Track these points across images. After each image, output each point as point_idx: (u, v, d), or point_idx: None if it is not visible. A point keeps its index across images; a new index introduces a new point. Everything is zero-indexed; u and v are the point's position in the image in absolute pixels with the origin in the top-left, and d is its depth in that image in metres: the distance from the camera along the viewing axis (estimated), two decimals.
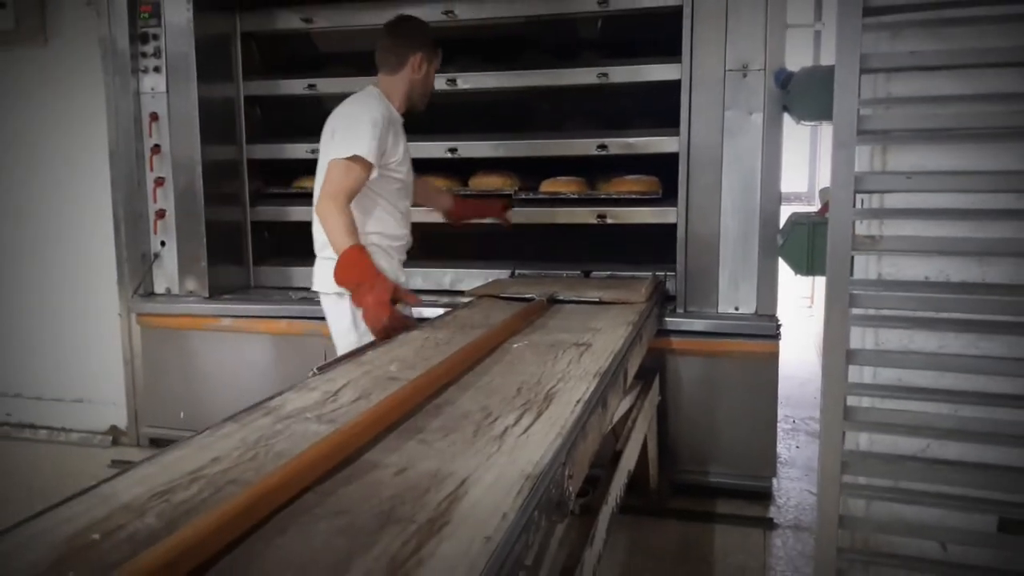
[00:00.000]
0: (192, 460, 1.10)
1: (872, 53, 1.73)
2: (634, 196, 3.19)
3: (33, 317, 3.69)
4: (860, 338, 1.92)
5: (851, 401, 1.86)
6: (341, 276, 2.20)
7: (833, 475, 1.81)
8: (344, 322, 2.41)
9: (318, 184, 2.37)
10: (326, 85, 3.45)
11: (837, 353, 1.79)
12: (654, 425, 2.68)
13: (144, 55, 3.34)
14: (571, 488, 1.11)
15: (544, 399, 1.46)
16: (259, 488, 0.92)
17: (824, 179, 5.91)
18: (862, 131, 1.73)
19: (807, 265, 2.32)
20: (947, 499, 1.74)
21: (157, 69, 3.33)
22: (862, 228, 1.83)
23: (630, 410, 2.27)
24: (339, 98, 3.71)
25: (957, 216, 1.74)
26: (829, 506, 1.81)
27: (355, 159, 2.24)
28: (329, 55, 3.78)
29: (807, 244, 2.30)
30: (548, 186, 3.33)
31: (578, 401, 1.44)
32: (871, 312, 1.83)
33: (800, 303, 6.60)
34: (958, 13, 1.70)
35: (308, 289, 3.51)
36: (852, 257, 1.78)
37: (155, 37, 3.33)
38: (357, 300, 2.18)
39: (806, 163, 6.90)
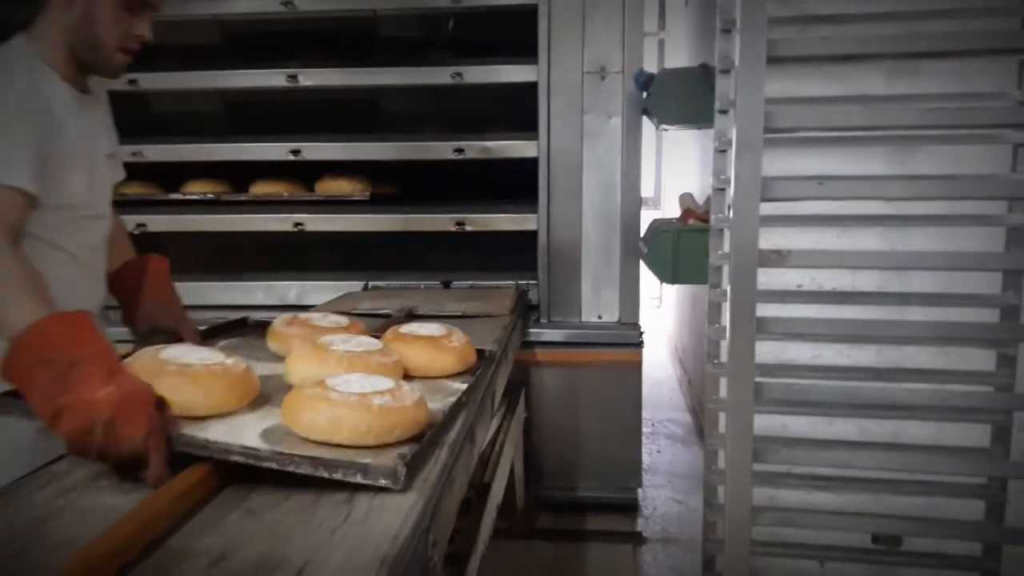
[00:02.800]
0: None
1: (780, 39, 1.59)
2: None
3: None
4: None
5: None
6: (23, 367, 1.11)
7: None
8: None
9: None
10: (150, 81, 3.08)
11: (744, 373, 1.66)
12: (521, 444, 2.55)
13: None
14: (436, 558, 0.94)
15: None
16: None
17: (670, 183, 6.06)
18: (770, 130, 1.59)
19: (672, 273, 2.26)
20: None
21: None
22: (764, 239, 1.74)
23: (497, 432, 2.12)
24: (163, 96, 3.40)
25: (869, 223, 1.67)
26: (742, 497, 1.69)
27: None
28: (160, 48, 3.38)
29: (672, 252, 2.24)
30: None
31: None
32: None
33: (650, 303, 6.76)
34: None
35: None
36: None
37: None
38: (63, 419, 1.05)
39: (652, 168, 7.07)
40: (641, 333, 2.75)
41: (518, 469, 2.54)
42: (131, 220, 2.93)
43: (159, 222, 3.12)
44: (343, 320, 1.66)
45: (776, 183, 1.57)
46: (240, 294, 3.14)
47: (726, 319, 1.82)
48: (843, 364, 1.76)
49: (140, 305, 1.62)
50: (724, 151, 1.80)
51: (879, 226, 1.72)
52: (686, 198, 2.61)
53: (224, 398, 1.17)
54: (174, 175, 3.19)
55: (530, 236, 2.88)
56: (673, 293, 5.38)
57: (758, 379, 1.57)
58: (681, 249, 2.24)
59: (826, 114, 1.66)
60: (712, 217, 1.80)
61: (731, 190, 1.52)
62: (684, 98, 2.36)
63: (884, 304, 1.69)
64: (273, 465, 1.02)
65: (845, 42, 1.60)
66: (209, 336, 1.73)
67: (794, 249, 1.55)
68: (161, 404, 1.08)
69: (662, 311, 6.24)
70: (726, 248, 1.81)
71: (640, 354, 2.73)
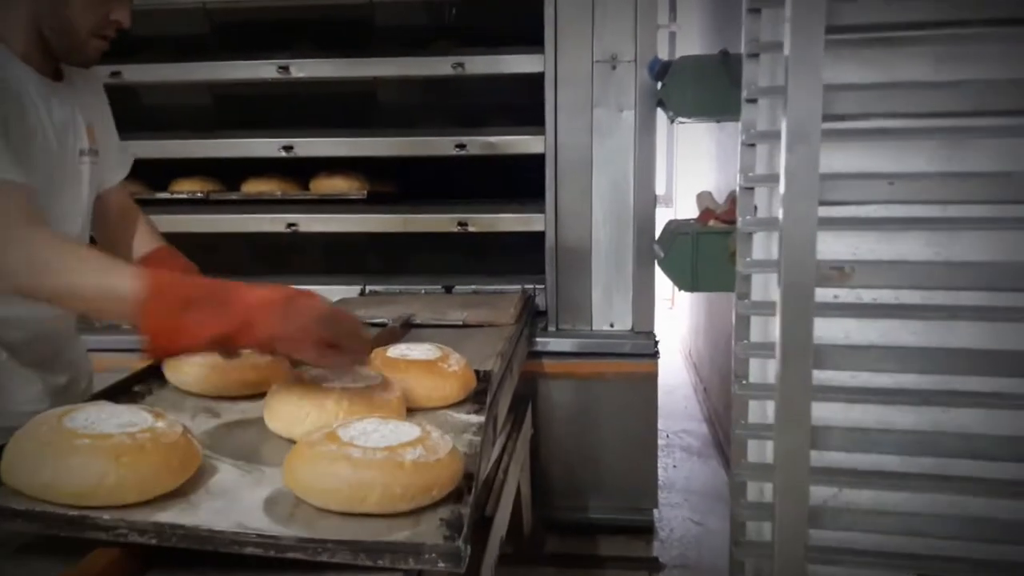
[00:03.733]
0: None
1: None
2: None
3: None
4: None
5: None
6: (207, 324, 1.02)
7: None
8: None
9: None
10: (135, 73, 2.90)
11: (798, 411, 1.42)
12: (527, 464, 2.37)
13: None
14: None
15: None
16: None
17: (683, 181, 5.86)
18: (829, 118, 1.34)
19: (692, 279, 2.07)
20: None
21: None
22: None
23: (501, 455, 1.93)
24: (150, 89, 3.22)
25: (967, 226, 1.42)
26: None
27: None
28: (142, 39, 3.21)
29: (691, 257, 2.04)
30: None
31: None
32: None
33: (662, 304, 6.55)
34: None
35: None
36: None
37: None
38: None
39: (663, 164, 6.86)
40: (656, 343, 2.55)
41: (525, 490, 2.36)
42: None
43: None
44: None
45: (836, 183, 1.36)
46: None
47: (754, 334, 1.64)
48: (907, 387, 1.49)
49: None
50: (752, 145, 1.60)
51: (981, 228, 1.45)
52: (704, 197, 2.42)
53: (158, 479, 0.90)
54: (161, 172, 3.02)
55: (537, 237, 2.70)
56: (687, 294, 5.18)
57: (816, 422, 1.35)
58: (701, 253, 2.05)
59: (902, 98, 1.41)
60: (739, 219, 1.60)
61: (780, 187, 1.31)
62: (703, 88, 2.16)
63: (956, 319, 1.45)
64: (300, 555, 0.81)
65: (921, 5, 1.35)
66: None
67: (860, 260, 1.34)
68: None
69: (675, 313, 6.04)
70: (755, 254, 1.62)
71: (655, 365, 2.54)
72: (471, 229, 2.81)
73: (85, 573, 0.78)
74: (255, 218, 2.93)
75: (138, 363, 1.38)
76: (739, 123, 1.64)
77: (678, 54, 6.59)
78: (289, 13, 2.95)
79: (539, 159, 2.64)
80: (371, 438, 0.94)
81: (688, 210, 4.69)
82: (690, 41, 5.13)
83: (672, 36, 6.61)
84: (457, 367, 1.40)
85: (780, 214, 1.35)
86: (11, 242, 1.08)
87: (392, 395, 1.19)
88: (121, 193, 1.59)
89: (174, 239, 3.06)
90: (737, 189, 1.64)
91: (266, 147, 2.87)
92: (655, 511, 2.72)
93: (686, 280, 2.09)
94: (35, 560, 0.85)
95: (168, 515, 0.87)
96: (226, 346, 1.05)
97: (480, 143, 2.77)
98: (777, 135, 1.45)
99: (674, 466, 3.33)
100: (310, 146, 2.88)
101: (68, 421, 0.91)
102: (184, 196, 2.97)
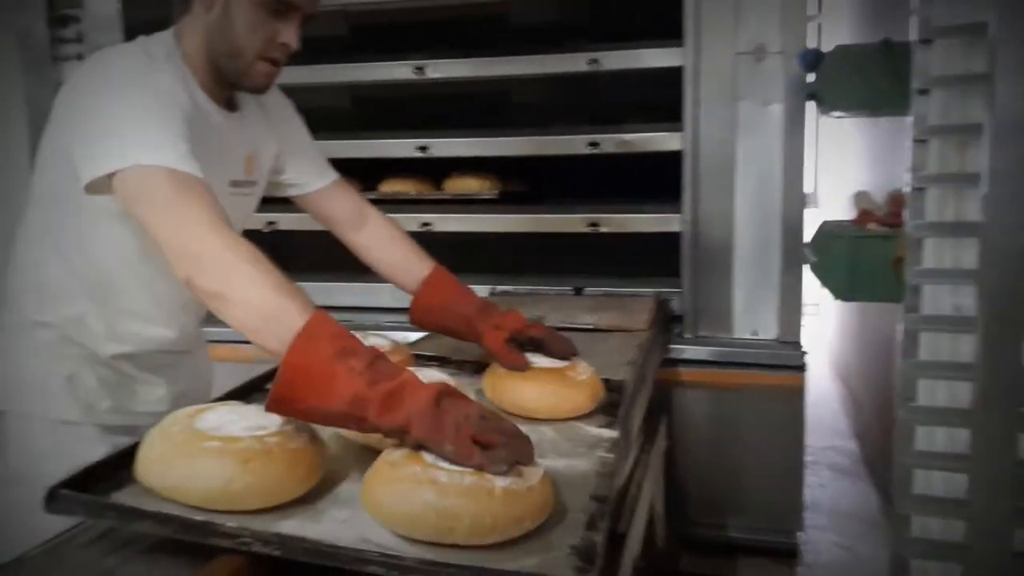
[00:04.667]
0: None
1: None
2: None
3: None
4: None
5: None
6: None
7: None
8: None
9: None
10: (280, 76, 3.01)
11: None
12: (661, 478, 2.25)
13: (63, 40, 2.90)
14: None
15: None
16: None
17: (827, 179, 5.50)
18: None
19: (848, 287, 1.89)
20: None
21: (80, 56, 2.89)
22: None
23: (633, 469, 1.83)
24: (292, 92, 3.33)
25: None
26: None
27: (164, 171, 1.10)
28: None
29: (848, 263, 1.87)
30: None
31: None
32: None
33: (807, 310, 6.19)
34: None
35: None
36: None
37: (75, 20, 2.88)
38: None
39: (807, 161, 6.47)
40: (804, 354, 2.37)
41: (658, 506, 2.24)
42: (261, 217, 2.88)
43: (289, 220, 3.04)
44: (383, 343, 1.39)
45: None
46: (367, 296, 3.00)
47: (923, 351, 1.46)
48: None
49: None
50: (924, 141, 1.43)
51: None
52: (862, 197, 2.22)
53: (284, 486, 0.88)
54: None
55: (672, 239, 2.57)
56: (834, 300, 4.85)
57: None
58: (859, 259, 1.87)
59: None
60: (908, 223, 1.43)
61: (982, 187, 1.14)
62: (862, 79, 1.99)
63: None
64: None
65: None
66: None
67: None
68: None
69: (820, 319, 5.68)
70: (926, 262, 1.44)
71: (802, 378, 2.35)
72: (603, 229, 2.72)
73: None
74: (391, 217, 2.96)
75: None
76: (900, 118, 1.47)
77: (825, 46, 6.21)
78: (425, 14, 2.96)
79: (675, 157, 2.51)
80: None
81: (836, 211, 4.39)
82: (838, 32, 4.80)
83: (819, 27, 6.24)
84: (586, 376, 1.33)
85: (980, 218, 1.18)
86: (203, 233, 1.03)
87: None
88: (335, 203, 1.63)
89: (315, 236, 3.18)
90: (906, 189, 1.47)
91: (402, 147, 2.90)
92: (800, 534, 2.53)
93: (841, 288, 1.91)
94: (165, 560, 0.86)
95: (292, 524, 0.85)
96: (358, 422, 0.92)
97: (614, 141, 2.68)
98: (954, 130, 1.28)
99: (821, 485, 3.11)
100: (444, 146, 2.88)
101: (199, 422, 0.91)
102: None
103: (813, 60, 2.15)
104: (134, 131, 1.10)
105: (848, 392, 4.03)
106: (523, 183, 3.15)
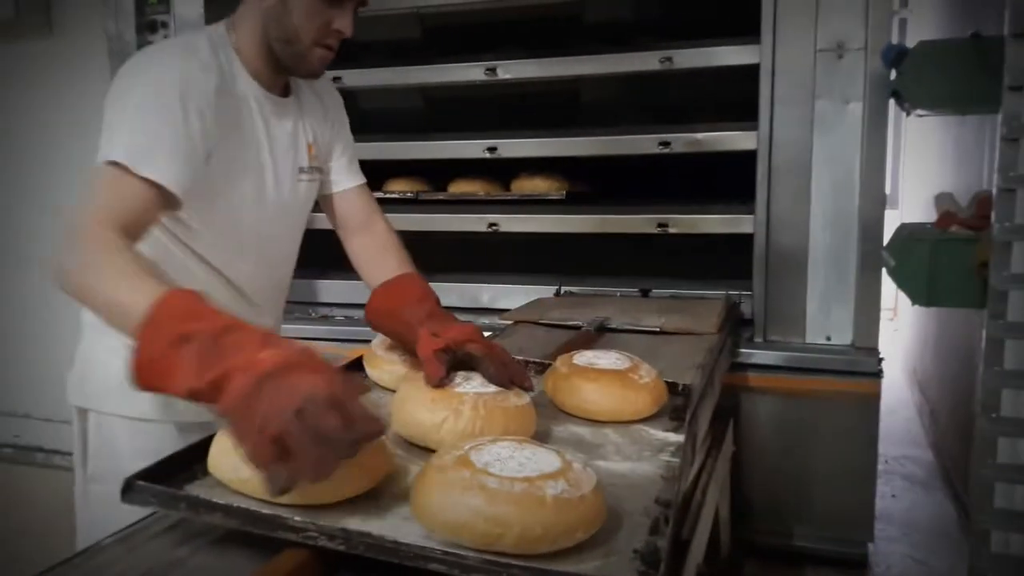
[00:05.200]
0: None
1: None
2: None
3: (43, 329, 3.42)
4: None
5: None
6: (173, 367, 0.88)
7: None
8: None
9: None
10: (353, 78, 3.08)
11: None
12: (727, 484, 2.21)
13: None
14: None
15: None
16: None
17: (909, 181, 5.30)
18: None
19: (928, 292, 1.82)
20: None
21: None
22: None
23: (698, 475, 1.81)
24: (367, 93, 3.41)
25: None
26: None
27: (119, 171, 1.14)
28: (361, 44, 3.41)
29: (929, 267, 1.80)
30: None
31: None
32: None
33: (883, 315, 5.99)
34: None
35: (332, 304, 3.20)
36: None
37: (164, 25, 3.00)
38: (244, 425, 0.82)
39: (888, 161, 6.25)
40: (880, 360, 2.29)
41: (723, 512, 2.21)
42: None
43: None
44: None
45: None
46: None
47: (1009, 360, 1.40)
48: None
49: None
50: (1016, 140, 1.37)
51: None
52: (944, 199, 2.13)
53: (352, 482, 0.88)
54: (377, 173, 3.18)
55: (743, 241, 2.52)
56: (911, 305, 4.69)
57: None
58: (940, 263, 1.80)
59: None
60: (995, 226, 1.37)
61: None
62: (949, 75, 1.91)
63: None
64: None
65: None
66: None
67: None
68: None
69: (896, 324, 5.49)
70: (1014, 267, 1.38)
71: (878, 385, 2.28)
72: (671, 230, 2.68)
73: (275, 571, 0.80)
74: (460, 218, 3.00)
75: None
76: (991, 116, 1.41)
77: (908, 43, 5.99)
78: (498, 15, 2.98)
79: (747, 157, 2.46)
80: (507, 465, 0.84)
81: (916, 213, 4.23)
82: (923, 27, 4.63)
83: (903, 23, 6.01)
84: (649, 379, 1.31)
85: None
86: (82, 237, 1.06)
87: (523, 400, 1.12)
88: (352, 204, 1.60)
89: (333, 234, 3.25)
90: (993, 190, 1.41)
91: (471, 148, 2.92)
92: (870, 544, 2.46)
93: (921, 293, 1.85)
94: (233, 551, 0.88)
95: (356, 520, 0.87)
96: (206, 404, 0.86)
97: (685, 140, 2.64)
98: None
99: (893, 495, 3.00)
100: (513, 147, 2.89)
101: None
102: (396, 196, 3.10)
103: (896, 56, 2.08)
104: (127, 132, 1.16)
105: (924, 400, 3.89)
106: (592, 184, 3.14)
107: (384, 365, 1.32)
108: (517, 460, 0.86)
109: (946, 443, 3.24)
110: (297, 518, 0.84)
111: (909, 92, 1.98)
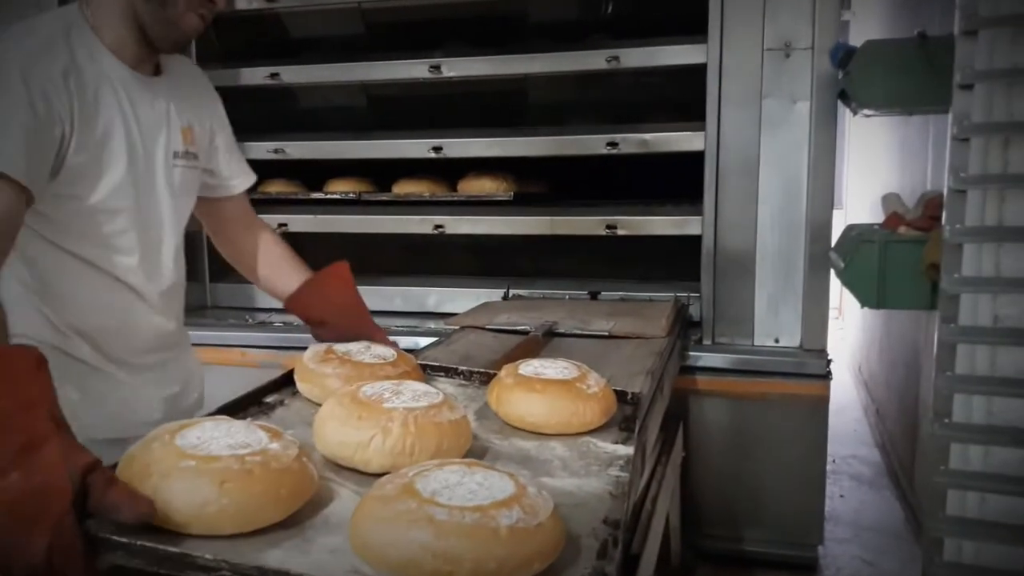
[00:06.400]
0: None
1: None
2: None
3: None
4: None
5: None
6: None
7: None
8: None
9: None
10: (292, 74, 2.96)
11: None
12: (677, 490, 2.17)
13: None
14: None
15: None
16: None
17: (853, 181, 5.38)
18: None
19: (878, 294, 1.80)
20: None
21: None
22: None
23: (648, 484, 1.76)
24: (308, 91, 3.29)
25: None
26: None
27: None
28: (300, 40, 3.29)
29: (878, 269, 1.78)
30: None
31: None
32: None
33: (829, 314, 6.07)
34: None
35: (270, 310, 3.07)
36: None
37: None
38: None
39: None
40: (829, 362, 2.28)
41: (674, 519, 2.17)
42: (273, 219, 2.84)
43: (300, 222, 3.00)
44: (389, 353, 1.31)
45: None
46: (378, 300, 2.95)
47: (960, 364, 1.37)
48: None
49: (329, 327, 1.44)
50: (966, 139, 1.34)
51: None
52: (891, 200, 2.13)
53: (264, 509, 0.80)
54: (317, 173, 3.08)
55: (692, 242, 2.49)
56: (856, 304, 4.75)
57: None
58: (890, 265, 1.79)
59: None
60: (946, 228, 1.35)
61: None
62: (895, 75, 1.89)
63: None
64: None
65: None
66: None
67: None
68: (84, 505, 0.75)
69: (842, 323, 5.57)
70: (965, 270, 1.36)
71: (827, 387, 2.27)
72: (620, 232, 2.64)
73: None
74: (404, 219, 2.92)
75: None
76: (935, 116, 1.39)
77: (852, 43, 6.07)
78: (443, 11, 2.90)
79: (697, 157, 2.44)
80: (456, 493, 0.77)
81: (861, 213, 4.28)
82: (867, 29, 4.69)
83: (845, 25, 6.10)
84: (597, 388, 1.25)
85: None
86: None
87: (457, 414, 1.04)
88: (241, 204, 1.55)
89: (327, 239, 3.14)
90: (944, 191, 1.38)
91: (416, 148, 2.84)
92: (820, 547, 2.45)
93: (871, 295, 1.83)
94: None
95: (278, 553, 0.78)
96: None
97: (634, 141, 2.60)
98: (999, 127, 1.19)
99: (841, 495, 3.01)
100: (459, 147, 2.82)
101: (179, 439, 0.84)
102: (338, 196, 3.00)
103: (844, 55, 2.06)
104: None
105: (871, 399, 3.93)
106: (540, 184, 3.08)
107: (316, 379, 1.24)
108: (467, 487, 0.79)
109: (893, 442, 3.26)
110: (208, 556, 0.75)
111: (856, 92, 1.96)
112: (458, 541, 0.71)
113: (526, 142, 2.80)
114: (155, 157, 1.30)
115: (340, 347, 1.30)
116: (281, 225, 2.93)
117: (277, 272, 1.52)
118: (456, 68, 2.77)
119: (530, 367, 1.28)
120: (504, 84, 2.92)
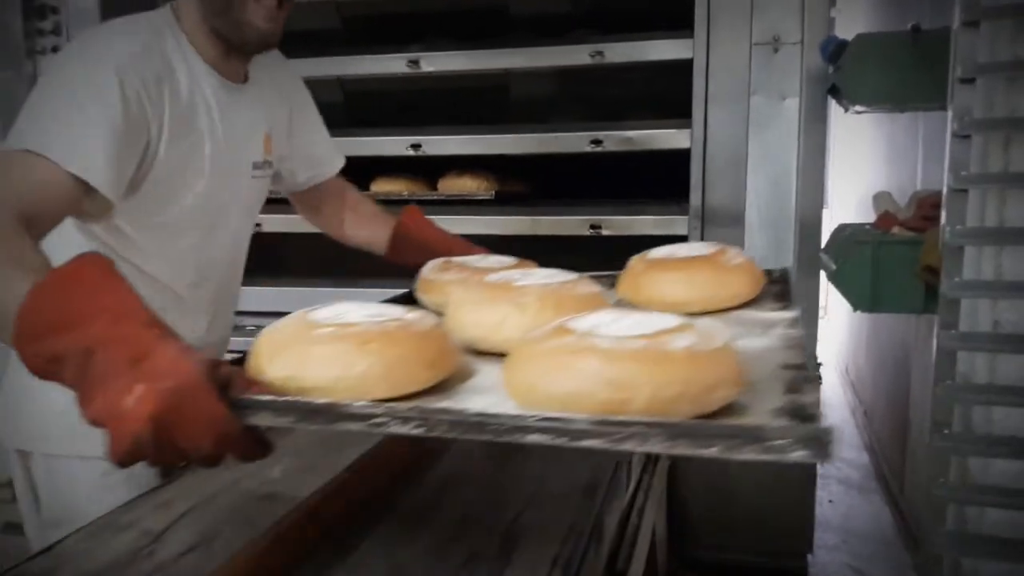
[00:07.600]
0: None
1: None
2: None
3: None
4: None
5: None
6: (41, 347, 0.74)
7: None
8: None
9: None
10: None
11: None
12: (663, 500, 2.10)
13: (41, 32, 2.75)
14: None
15: (501, 546, 0.93)
16: None
17: (839, 179, 5.35)
18: None
19: (871, 297, 1.74)
20: None
21: (56, 49, 2.74)
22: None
23: (635, 492, 1.69)
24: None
25: None
26: None
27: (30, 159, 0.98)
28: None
29: (871, 271, 1.72)
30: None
31: (554, 559, 0.90)
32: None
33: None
34: None
35: (242, 313, 2.98)
36: None
37: (54, 11, 2.73)
38: (99, 399, 0.71)
39: None
40: (819, 365, 2.22)
41: (660, 530, 2.10)
42: None
43: (274, 222, 2.90)
44: (508, 259, 1.25)
45: None
46: (360, 299, 2.87)
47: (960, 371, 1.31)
48: None
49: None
50: (967, 136, 1.28)
51: None
52: (883, 199, 2.07)
53: (410, 370, 0.74)
54: None
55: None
56: (842, 301, 4.70)
57: None
58: (883, 267, 1.72)
59: None
60: (946, 229, 1.28)
61: None
62: (888, 70, 1.83)
63: None
64: (598, 443, 0.59)
65: None
66: None
67: None
68: (226, 380, 0.70)
69: (828, 322, 5.53)
70: (965, 273, 1.29)
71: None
72: (605, 232, 2.57)
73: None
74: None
75: None
76: (924, 113, 1.33)
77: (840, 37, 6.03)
78: (421, 4, 2.82)
79: (684, 155, 2.37)
80: (614, 328, 0.69)
81: (848, 212, 4.23)
82: (853, 24, 4.65)
83: (832, 21, 6.07)
84: (741, 260, 1.11)
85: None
86: None
87: (594, 288, 0.99)
88: (338, 182, 1.60)
89: (300, 239, 3.04)
90: (944, 191, 1.32)
91: (394, 145, 2.76)
92: (809, 555, 2.39)
93: (864, 298, 1.77)
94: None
95: (432, 401, 0.73)
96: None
97: (617, 138, 2.53)
98: (1001, 124, 1.13)
99: (829, 501, 2.96)
100: (439, 144, 2.74)
101: (312, 314, 0.80)
102: None
103: (834, 50, 2.00)
104: (51, 119, 1.01)
105: (858, 402, 3.89)
106: (523, 182, 3.01)
107: (438, 288, 1.15)
108: (624, 323, 0.71)
109: (882, 444, 3.22)
110: (359, 403, 0.68)
111: (848, 87, 1.90)
112: (632, 365, 0.63)
113: (508, 139, 2.72)
114: (240, 169, 1.26)
115: (458, 259, 1.24)
116: (255, 224, 2.83)
117: (369, 229, 1.63)
118: (435, 63, 2.69)
119: (660, 251, 1.16)
120: (485, 79, 2.84)
